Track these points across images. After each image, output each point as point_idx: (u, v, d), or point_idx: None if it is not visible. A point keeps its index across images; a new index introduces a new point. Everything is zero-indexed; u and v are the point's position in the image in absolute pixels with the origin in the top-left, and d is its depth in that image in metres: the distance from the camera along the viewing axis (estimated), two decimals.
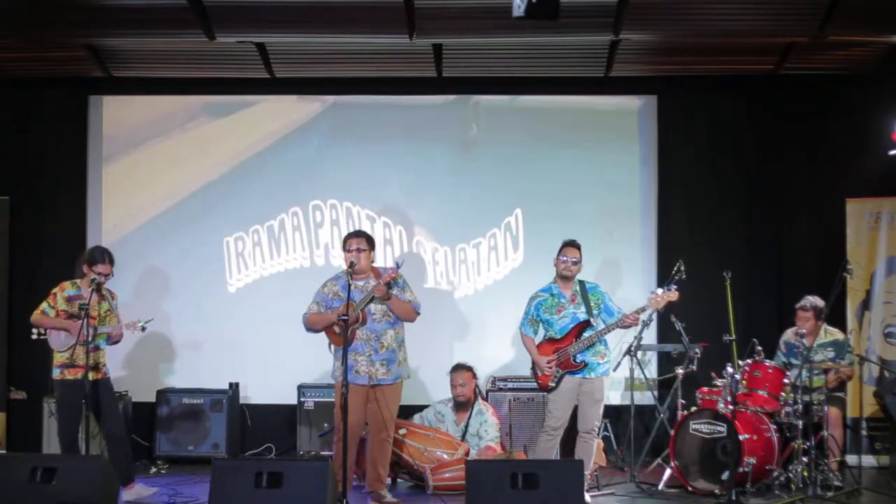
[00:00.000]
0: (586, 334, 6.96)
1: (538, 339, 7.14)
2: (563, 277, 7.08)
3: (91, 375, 6.86)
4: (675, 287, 6.92)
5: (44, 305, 7.02)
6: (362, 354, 6.82)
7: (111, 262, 7.04)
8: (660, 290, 6.94)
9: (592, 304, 7.03)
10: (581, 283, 7.13)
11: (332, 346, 6.97)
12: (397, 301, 6.89)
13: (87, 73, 8.84)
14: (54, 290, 7.06)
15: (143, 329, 7.03)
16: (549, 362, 7.00)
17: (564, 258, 7.06)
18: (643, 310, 6.95)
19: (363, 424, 7.01)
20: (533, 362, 7.13)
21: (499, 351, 8.80)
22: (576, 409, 7.06)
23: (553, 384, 7.01)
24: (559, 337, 7.02)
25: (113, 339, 7.11)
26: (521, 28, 7.16)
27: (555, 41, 8.24)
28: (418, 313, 7.01)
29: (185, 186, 9.08)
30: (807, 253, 8.74)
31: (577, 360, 6.95)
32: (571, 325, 7.01)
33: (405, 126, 9.05)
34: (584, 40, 8.23)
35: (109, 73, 8.79)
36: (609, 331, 6.96)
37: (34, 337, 7.06)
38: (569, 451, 7.22)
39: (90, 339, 6.80)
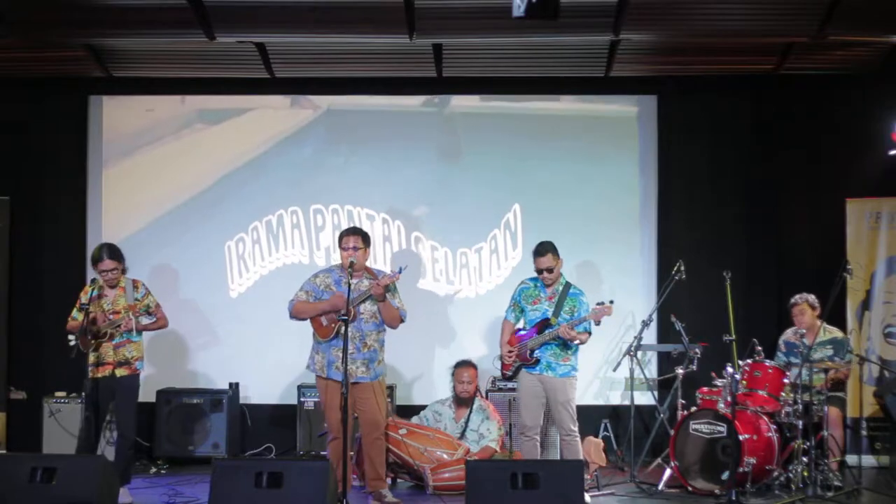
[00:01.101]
0: (546, 332, 6.97)
1: (519, 325, 7.20)
2: (546, 285, 7.10)
3: (118, 371, 6.90)
4: (612, 301, 6.89)
5: (73, 312, 7.04)
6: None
7: (111, 256, 6.99)
8: (605, 303, 6.90)
9: (565, 308, 7.01)
10: (567, 285, 7.11)
11: (315, 337, 6.94)
12: (388, 305, 6.87)
13: (87, 73, 8.83)
14: (80, 294, 7.08)
15: (149, 312, 7.03)
16: (510, 351, 7.06)
17: (539, 270, 7.05)
18: (580, 321, 6.90)
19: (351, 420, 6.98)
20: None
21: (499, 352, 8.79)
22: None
23: (510, 373, 7.12)
24: (527, 329, 7.08)
25: (144, 329, 7.06)
26: (521, 28, 7.17)
27: (555, 41, 8.24)
28: (403, 321, 6.99)
29: (185, 187, 9.08)
30: (807, 253, 8.74)
31: (532, 356, 6.97)
32: (538, 320, 7.03)
33: (404, 128, 9.05)
34: (584, 40, 8.22)
35: (109, 73, 8.78)
36: (549, 337, 6.91)
37: (72, 343, 6.96)
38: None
39: (104, 335, 6.86)
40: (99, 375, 6.88)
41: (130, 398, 7.06)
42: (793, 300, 7.76)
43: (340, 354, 6.68)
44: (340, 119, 9.09)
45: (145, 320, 7.07)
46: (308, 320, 6.95)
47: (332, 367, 6.76)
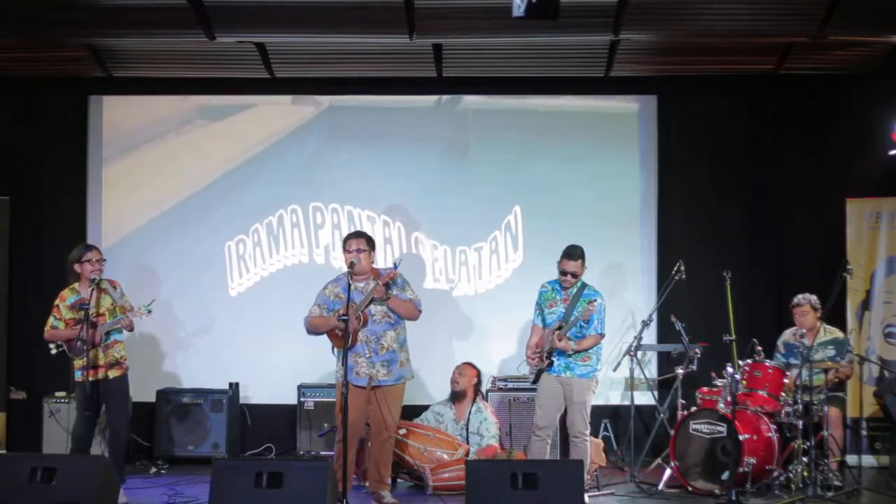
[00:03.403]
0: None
1: None
2: (564, 287, 7.11)
3: (111, 373, 6.89)
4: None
5: (51, 320, 6.98)
6: (362, 356, 6.82)
7: (97, 249, 7.07)
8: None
9: (578, 309, 6.98)
10: (583, 286, 7.10)
11: (335, 349, 6.94)
12: (397, 301, 6.88)
13: (87, 73, 8.83)
14: (56, 302, 7.02)
15: (150, 312, 6.94)
16: (533, 353, 7.09)
17: (563, 272, 7.06)
18: (574, 323, 6.93)
19: (363, 425, 7.01)
20: None
21: (500, 352, 8.79)
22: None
23: (532, 374, 7.13)
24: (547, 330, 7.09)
25: (126, 330, 7.03)
26: (521, 28, 7.17)
27: (555, 41, 8.24)
28: (420, 311, 7.00)
29: (185, 187, 9.08)
30: (807, 253, 8.73)
31: (547, 358, 6.99)
32: (554, 322, 7.05)
33: (405, 127, 9.04)
34: (584, 40, 8.22)
35: (109, 73, 8.78)
36: (552, 345, 6.95)
37: (53, 352, 7.00)
38: (563, 454, 7.23)
39: (99, 339, 6.83)
40: (92, 379, 6.85)
41: (124, 399, 7.12)
42: (795, 300, 7.74)
43: (360, 360, 6.79)
44: (344, 115, 9.07)
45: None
46: (325, 335, 6.94)
47: (352, 372, 6.74)
